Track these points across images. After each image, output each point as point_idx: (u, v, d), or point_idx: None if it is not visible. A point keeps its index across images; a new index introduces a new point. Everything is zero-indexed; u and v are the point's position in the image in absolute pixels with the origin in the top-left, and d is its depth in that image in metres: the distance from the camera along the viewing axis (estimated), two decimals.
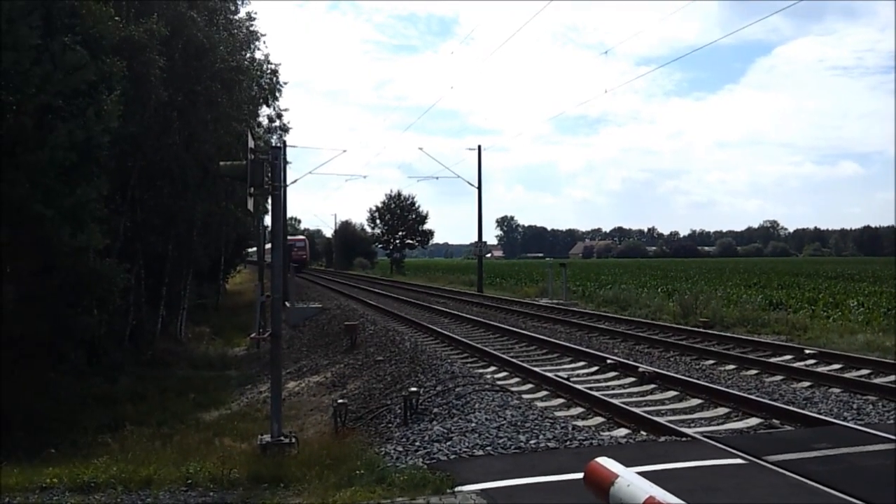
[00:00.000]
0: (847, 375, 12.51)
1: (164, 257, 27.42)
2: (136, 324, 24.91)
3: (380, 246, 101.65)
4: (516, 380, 12.92)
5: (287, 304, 28.64)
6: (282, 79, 36.65)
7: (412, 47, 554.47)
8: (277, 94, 36.58)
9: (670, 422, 9.23)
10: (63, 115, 16.23)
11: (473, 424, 9.11)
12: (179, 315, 30.65)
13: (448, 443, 8.40)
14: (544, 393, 11.70)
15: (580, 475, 4.83)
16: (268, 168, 9.27)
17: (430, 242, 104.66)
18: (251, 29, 32.53)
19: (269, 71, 35.42)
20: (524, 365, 13.67)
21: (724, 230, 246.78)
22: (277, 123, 41.12)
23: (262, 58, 35.09)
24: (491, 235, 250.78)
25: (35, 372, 17.37)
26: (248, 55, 32.46)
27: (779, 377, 12.72)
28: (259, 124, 37.66)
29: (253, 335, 12.73)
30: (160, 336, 27.49)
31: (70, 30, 16.61)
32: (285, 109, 42.29)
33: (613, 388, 12.10)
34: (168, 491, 7.22)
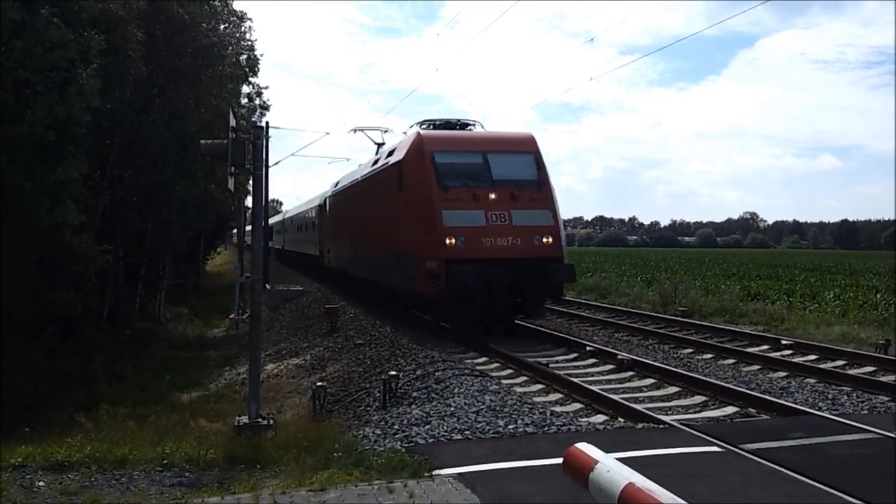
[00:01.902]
0: (822, 366, 12.62)
1: (143, 236, 27.15)
2: (114, 303, 24.69)
3: None
4: (496, 365, 12.92)
5: (267, 286, 28.49)
6: (258, 53, 36.31)
7: (397, 30, 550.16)
8: (256, 70, 36.25)
9: (648, 409, 9.27)
10: (40, 89, 15.96)
11: (452, 409, 9.10)
12: (158, 295, 30.42)
13: (427, 426, 8.39)
14: (523, 378, 11.72)
15: (558, 460, 4.82)
16: (249, 147, 9.16)
17: None
18: (233, 8, 32.28)
19: (247, 46, 35.13)
20: (504, 351, 13.67)
21: (704, 221, 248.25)
22: (257, 102, 40.79)
23: (241, 33, 34.81)
24: None
25: (10, 349, 17.16)
26: (230, 31, 32.15)
27: (756, 367, 12.82)
28: (239, 103, 37.32)
29: (232, 316, 12.64)
30: (138, 316, 27.28)
31: (48, 2, 16.31)
32: (265, 87, 42.00)
33: (592, 375, 12.14)
34: (143, 471, 7.17)
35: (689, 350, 14.71)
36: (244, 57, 34.55)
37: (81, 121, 16.69)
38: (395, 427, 8.63)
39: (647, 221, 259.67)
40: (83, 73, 16.63)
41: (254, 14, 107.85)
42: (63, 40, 15.91)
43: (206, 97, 26.76)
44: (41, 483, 6.71)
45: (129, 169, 25.11)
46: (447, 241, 14.24)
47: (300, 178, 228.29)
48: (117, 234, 24.78)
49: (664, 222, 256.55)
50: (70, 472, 7.10)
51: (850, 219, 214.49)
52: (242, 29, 34.15)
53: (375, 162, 20.34)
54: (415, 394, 10.48)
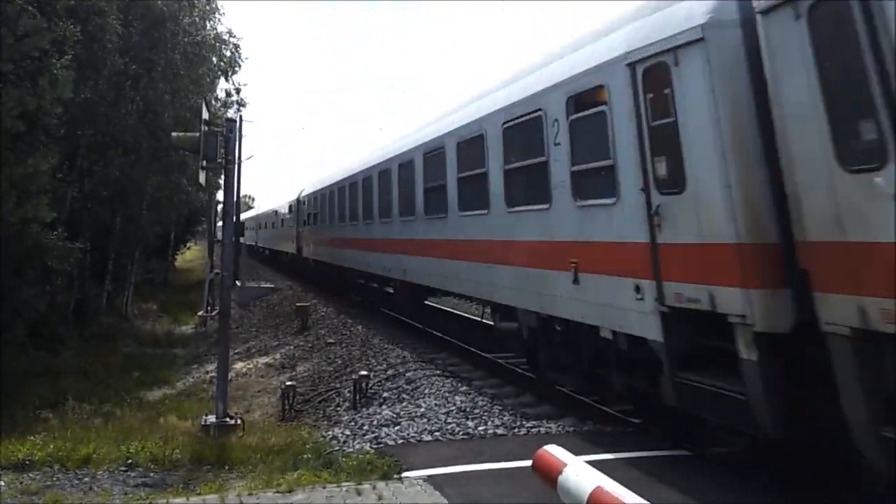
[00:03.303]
0: None
1: (112, 230, 26.75)
2: (81, 298, 24.28)
3: None
4: (468, 366, 12.90)
5: (238, 282, 28.24)
6: (243, 54, 36.01)
7: (376, 23, 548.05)
8: (237, 69, 35.93)
9: (618, 412, 9.30)
10: (11, 78, 15.65)
11: (423, 409, 9.07)
12: (126, 290, 29.99)
13: (396, 427, 8.36)
14: (495, 380, 11.71)
15: (527, 462, 4.83)
16: (222, 141, 9.07)
17: None
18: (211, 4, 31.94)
19: (231, 44, 34.80)
20: (477, 351, 13.65)
21: None
22: (235, 98, 40.38)
23: (225, 31, 34.52)
24: None
25: None
26: (211, 29, 31.83)
27: None
28: (216, 98, 36.94)
29: (201, 313, 12.55)
30: (105, 311, 26.87)
31: None
32: (244, 84, 41.78)
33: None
34: (107, 470, 7.06)
35: None
36: (227, 53, 34.22)
37: (52, 111, 16.40)
38: (365, 428, 8.58)
39: None
40: (57, 63, 16.33)
41: (232, 10, 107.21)
42: (35, 29, 15.61)
43: (182, 92, 26.47)
44: (1, 483, 6.56)
45: (100, 161, 24.71)
46: None
47: (276, 174, 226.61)
48: (85, 228, 24.38)
49: None
50: (32, 472, 6.97)
51: None
52: (224, 26, 33.83)
53: None
54: (385, 394, 10.44)
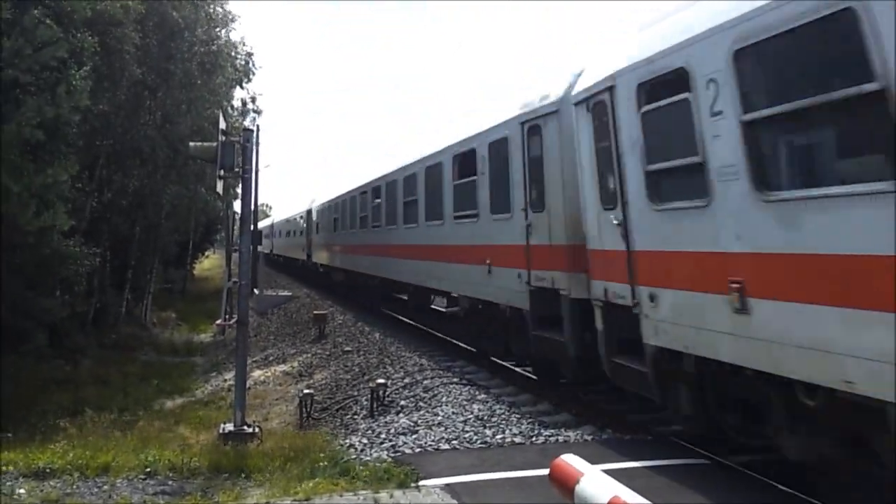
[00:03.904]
0: None
1: (131, 240, 26.99)
2: (100, 307, 24.50)
3: None
4: (485, 374, 12.85)
5: (255, 291, 28.36)
6: (256, 63, 36.36)
7: (381, 23, 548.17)
8: (251, 77, 36.27)
9: (637, 421, 9.23)
10: (31, 89, 15.86)
11: (440, 418, 9.05)
12: (145, 299, 30.23)
13: (414, 436, 8.34)
14: (512, 388, 11.66)
15: (545, 471, 4.79)
16: (239, 151, 9.12)
17: None
18: (225, 9, 32.22)
19: (244, 53, 35.14)
20: (493, 359, 13.60)
21: None
22: (251, 107, 40.73)
23: (239, 40, 34.83)
24: None
25: None
26: (224, 35, 32.13)
27: None
28: (232, 107, 37.28)
29: (219, 322, 12.59)
30: (124, 320, 27.08)
31: (41, 2, 16.24)
32: (260, 94, 42.09)
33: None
34: (126, 478, 7.09)
35: None
36: (240, 62, 34.54)
37: (70, 120, 16.59)
38: (382, 436, 8.57)
39: None
40: (76, 73, 16.55)
41: (243, 16, 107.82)
42: (52, 39, 15.82)
43: (199, 102, 26.70)
44: (22, 490, 6.61)
45: (118, 171, 24.97)
46: None
47: (292, 182, 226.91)
48: (104, 237, 24.61)
49: None
50: (52, 479, 7.01)
51: None
52: (237, 34, 34.17)
53: None
54: (402, 402, 10.43)
